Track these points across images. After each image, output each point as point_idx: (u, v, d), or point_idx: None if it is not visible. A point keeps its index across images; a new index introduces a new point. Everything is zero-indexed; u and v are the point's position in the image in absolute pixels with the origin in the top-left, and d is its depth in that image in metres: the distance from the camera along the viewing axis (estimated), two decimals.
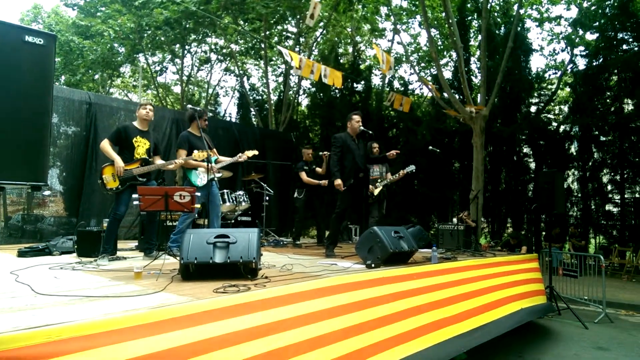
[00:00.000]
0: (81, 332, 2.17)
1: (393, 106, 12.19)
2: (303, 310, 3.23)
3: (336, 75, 10.01)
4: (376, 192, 7.16)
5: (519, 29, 13.18)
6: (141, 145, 5.25)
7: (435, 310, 4.45)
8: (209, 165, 5.27)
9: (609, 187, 12.72)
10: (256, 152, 6.06)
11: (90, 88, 19.71)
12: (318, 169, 8.24)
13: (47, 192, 8.33)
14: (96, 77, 20.76)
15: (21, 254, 5.26)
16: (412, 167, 7.08)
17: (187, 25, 15.36)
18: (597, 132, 12.80)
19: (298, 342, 3.05)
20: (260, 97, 19.83)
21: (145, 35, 16.26)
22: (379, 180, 7.36)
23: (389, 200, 8.22)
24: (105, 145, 5.11)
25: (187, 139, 5.67)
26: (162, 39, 16.20)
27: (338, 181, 5.71)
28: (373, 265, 4.42)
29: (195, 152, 5.27)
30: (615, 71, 12.66)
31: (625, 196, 12.37)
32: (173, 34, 15.40)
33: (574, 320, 6.61)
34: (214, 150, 5.94)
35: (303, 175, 8.09)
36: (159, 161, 5.41)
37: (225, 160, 6.00)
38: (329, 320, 3.37)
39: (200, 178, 5.66)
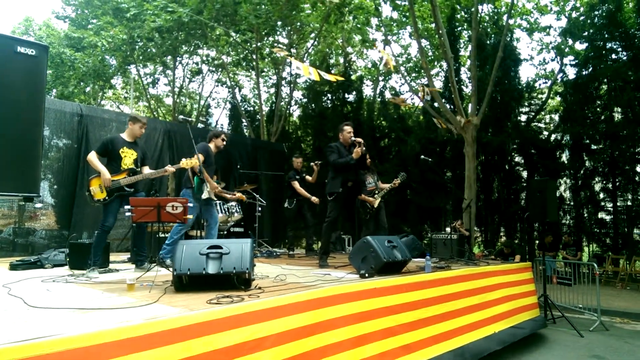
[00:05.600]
0: (74, 344, 2.14)
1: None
2: (297, 322, 3.22)
3: (334, 76, 10.33)
4: (376, 203, 7.07)
5: (508, 38, 13.34)
6: (128, 156, 5.18)
7: (430, 326, 4.46)
8: (217, 185, 5.30)
9: (601, 195, 12.80)
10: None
11: (82, 100, 19.62)
12: (308, 177, 8.26)
13: (38, 205, 8.26)
14: (88, 89, 20.69)
15: (13, 267, 5.21)
16: (403, 175, 7.12)
17: (179, 37, 15.40)
18: (588, 141, 12.91)
19: (292, 357, 3.06)
20: (252, 108, 19.88)
21: (137, 46, 16.27)
22: (377, 192, 7.23)
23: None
24: (92, 157, 5.05)
25: (206, 150, 5.82)
26: (154, 50, 16.22)
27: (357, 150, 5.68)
28: (367, 275, 4.41)
29: (184, 160, 5.26)
30: (605, 80, 12.81)
31: (618, 204, 12.45)
32: (164, 46, 15.42)
33: (569, 328, 6.62)
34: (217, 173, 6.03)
35: (296, 184, 8.08)
36: (146, 170, 5.35)
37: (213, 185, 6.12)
38: (325, 334, 3.37)
39: (205, 190, 5.64)
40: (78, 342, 2.16)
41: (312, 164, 8.26)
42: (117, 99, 25.06)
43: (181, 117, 5.88)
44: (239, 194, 6.00)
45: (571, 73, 14.14)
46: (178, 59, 18.74)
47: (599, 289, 7.16)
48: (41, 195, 7.92)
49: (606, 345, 6.03)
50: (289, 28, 16.55)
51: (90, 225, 8.12)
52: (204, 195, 5.60)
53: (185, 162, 5.21)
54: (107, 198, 4.95)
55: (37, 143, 2.12)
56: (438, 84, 14.85)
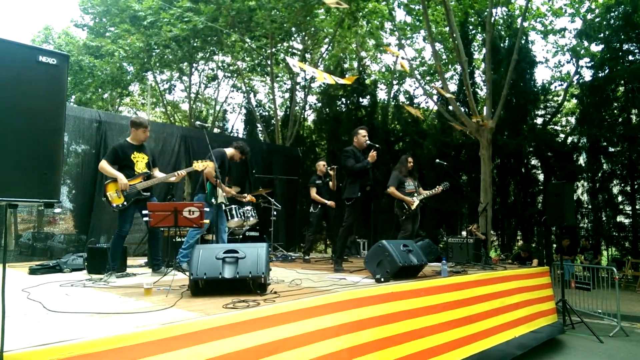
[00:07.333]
0: (93, 348, 2.18)
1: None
2: (312, 326, 3.22)
3: (348, 79, 10.36)
4: (414, 205, 6.99)
5: (523, 41, 13.22)
6: (140, 160, 5.24)
7: (450, 330, 4.44)
8: (230, 190, 5.31)
9: (620, 198, 12.61)
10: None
11: (100, 107, 19.92)
12: (331, 183, 8.21)
13: (57, 210, 8.38)
14: (105, 95, 21.00)
15: (32, 271, 5.28)
16: (446, 184, 7.08)
17: (195, 44, 15.57)
18: (605, 143, 12.73)
19: None
20: (266, 113, 19.99)
21: (154, 53, 16.48)
22: (415, 194, 7.03)
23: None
24: (104, 165, 5.07)
25: (222, 157, 5.84)
26: (170, 57, 16.41)
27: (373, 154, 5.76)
28: (382, 279, 4.40)
29: (195, 162, 5.28)
30: (622, 82, 12.63)
31: (637, 207, 12.24)
32: (181, 53, 15.60)
33: (588, 334, 6.50)
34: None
35: (312, 191, 8.03)
36: (158, 173, 5.38)
37: (226, 190, 6.15)
38: (342, 337, 3.37)
39: (220, 195, 5.70)
40: (96, 346, 2.19)
41: (327, 169, 8.21)
42: (135, 105, 25.39)
43: (198, 122, 5.93)
44: (249, 197, 6.11)
45: (587, 75, 13.99)
46: (194, 65, 18.93)
47: (619, 293, 7.04)
48: (61, 201, 8.06)
49: (626, 351, 5.92)
50: (304, 33, 16.64)
51: (107, 229, 8.21)
52: (218, 200, 5.64)
53: (197, 165, 5.18)
54: (125, 204, 5.00)
55: (58, 150, 2.16)
56: (452, 87, 14.75)
